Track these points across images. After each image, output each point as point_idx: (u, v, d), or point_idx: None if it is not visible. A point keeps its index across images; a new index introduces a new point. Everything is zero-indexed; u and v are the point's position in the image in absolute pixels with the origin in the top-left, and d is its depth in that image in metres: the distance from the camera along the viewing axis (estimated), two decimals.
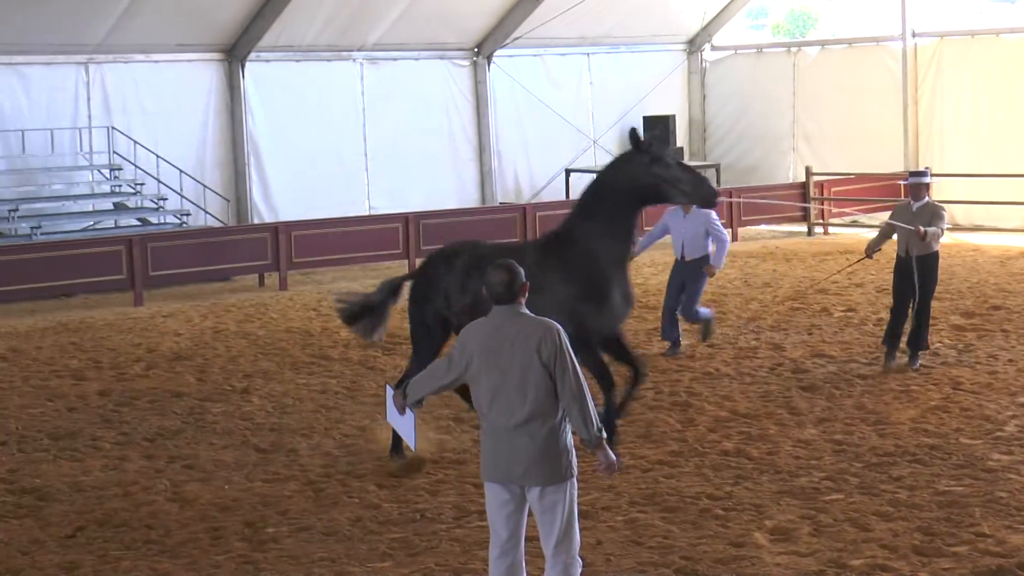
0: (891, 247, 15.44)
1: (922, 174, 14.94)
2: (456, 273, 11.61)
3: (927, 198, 14.75)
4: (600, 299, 11.52)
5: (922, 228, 14.25)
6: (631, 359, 12.03)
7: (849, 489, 10.64)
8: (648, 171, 11.56)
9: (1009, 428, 12.22)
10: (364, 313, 12.27)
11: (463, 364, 7.69)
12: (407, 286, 12.27)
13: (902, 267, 14.72)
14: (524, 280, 7.60)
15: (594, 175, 26.79)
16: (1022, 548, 9.15)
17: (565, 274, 11.44)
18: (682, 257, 16.10)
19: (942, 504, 10.15)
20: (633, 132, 11.66)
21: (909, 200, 14.87)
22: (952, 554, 9.12)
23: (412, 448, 9.14)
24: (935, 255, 14.64)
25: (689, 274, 16.05)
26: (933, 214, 14.49)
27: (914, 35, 29.64)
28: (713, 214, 15.92)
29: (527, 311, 7.60)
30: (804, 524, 9.83)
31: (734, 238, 27.35)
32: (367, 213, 27.55)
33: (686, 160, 32.03)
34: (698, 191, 11.81)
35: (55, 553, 9.71)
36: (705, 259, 16.01)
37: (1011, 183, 26.19)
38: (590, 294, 11.47)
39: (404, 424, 8.87)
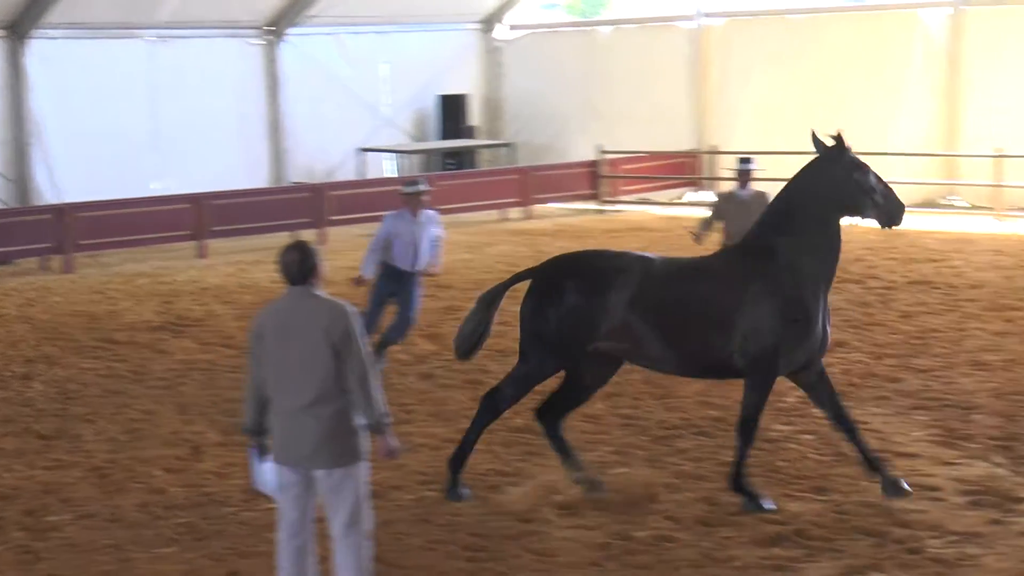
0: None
1: (749, 160, 14.83)
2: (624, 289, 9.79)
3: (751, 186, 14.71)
4: (807, 322, 9.73)
5: None
6: (839, 407, 10.10)
7: (635, 462, 10.81)
8: (851, 177, 10.01)
9: (790, 399, 12.50)
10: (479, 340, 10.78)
11: (256, 345, 7.59)
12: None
13: None
14: (316, 261, 7.52)
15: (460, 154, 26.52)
16: (800, 515, 9.40)
17: (769, 290, 9.71)
18: (412, 266, 14.34)
19: (725, 475, 10.35)
20: (839, 138, 10.07)
21: (732, 190, 14.70)
22: (734, 523, 9.33)
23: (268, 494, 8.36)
24: None
25: (408, 285, 14.37)
26: (765, 203, 14.29)
27: (704, 15, 30.15)
28: (432, 212, 14.69)
29: (320, 293, 7.53)
30: (591, 498, 9.94)
31: (527, 215, 27.60)
32: (156, 194, 27.01)
33: (483, 138, 32.22)
34: (889, 205, 10.13)
35: None
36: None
37: (800, 161, 26.79)
38: (797, 314, 9.71)
39: (263, 474, 7.88)
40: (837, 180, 9.95)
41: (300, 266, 7.49)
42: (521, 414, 12.29)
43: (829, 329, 9.92)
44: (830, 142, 10.04)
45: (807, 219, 9.89)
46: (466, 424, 12.02)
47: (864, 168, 10.08)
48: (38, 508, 10.12)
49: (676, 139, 29.76)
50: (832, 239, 9.95)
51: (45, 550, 9.23)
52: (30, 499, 10.34)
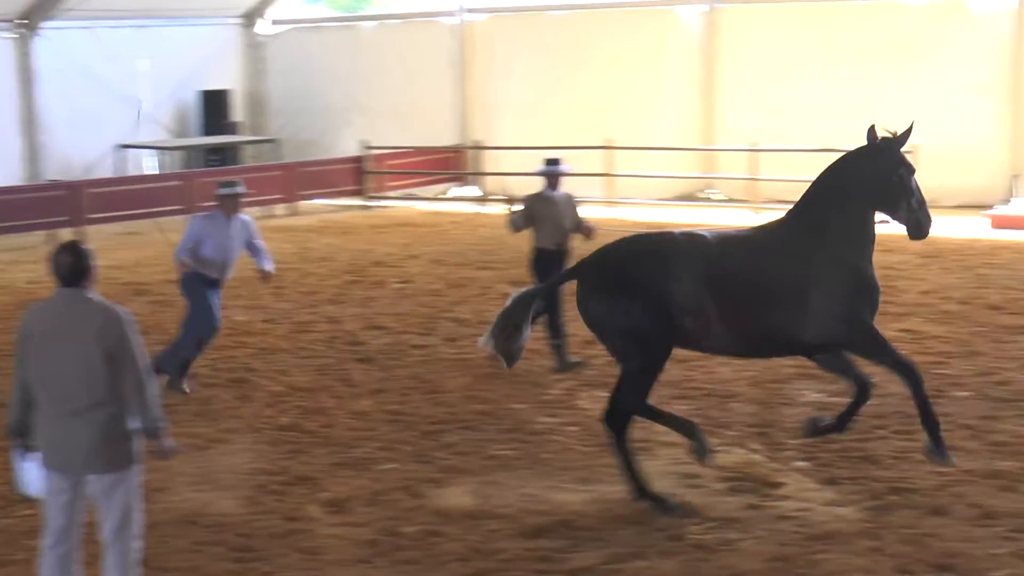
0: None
1: (558, 162, 14.25)
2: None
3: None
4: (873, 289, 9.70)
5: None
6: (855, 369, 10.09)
7: (403, 458, 10.85)
8: (894, 171, 9.72)
9: (554, 392, 12.72)
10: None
11: (22, 347, 7.39)
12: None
13: (548, 260, 13.62)
14: (91, 263, 7.35)
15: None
16: (565, 506, 9.56)
17: (833, 261, 9.55)
18: (221, 274, 13.35)
19: (492, 468, 10.49)
20: (872, 130, 9.75)
21: (542, 190, 14.05)
22: (501, 515, 9.42)
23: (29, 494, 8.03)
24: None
25: (216, 291, 13.40)
26: (574, 206, 14.04)
27: (467, 11, 30.30)
28: (246, 217, 13.74)
29: (93, 296, 7.36)
30: (358, 494, 9.96)
31: (293, 212, 27.39)
32: None
33: (246, 134, 31.84)
34: (921, 215, 9.82)
35: None
36: None
37: (566, 154, 27.12)
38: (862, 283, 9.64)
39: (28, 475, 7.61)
40: (879, 170, 9.69)
41: (73, 268, 7.31)
42: (287, 412, 12.27)
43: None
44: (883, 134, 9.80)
45: (840, 204, 9.68)
46: (232, 423, 11.97)
47: (910, 168, 9.79)
48: None
49: (441, 135, 29.87)
50: (864, 230, 9.74)
51: None
52: None
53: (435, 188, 29.68)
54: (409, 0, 38.69)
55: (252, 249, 13.57)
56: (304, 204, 27.67)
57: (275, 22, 33.11)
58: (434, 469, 10.51)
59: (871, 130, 9.83)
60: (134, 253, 21.93)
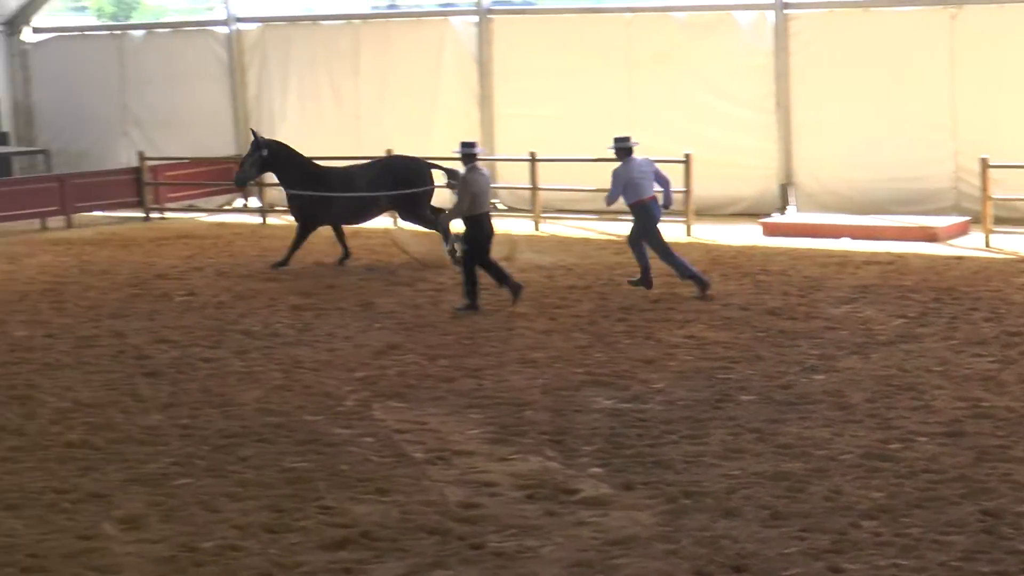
0: None
1: (474, 144, 17.21)
2: None
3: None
4: None
5: None
6: None
7: (197, 472, 10.70)
8: None
9: (348, 402, 12.68)
10: None
11: None
12: None
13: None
14: None
15: None
16: (365, 517, 9.54)
17: None
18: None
19: (288, 481, 10.41)
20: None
21: (473, 169, 16.83)
22: (300, 529, 9.37)
23: None
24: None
25: None
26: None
27: (238, 20, 29.98)
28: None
29: None
30: (154, 511, 9.79)
31: (68, 224, 26.76)
32: None
33: (15, 145, 31.00)
34: None
35: None
36: None
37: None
38: None
39: None
40: None
41: None
42: (75, 428, 12.02)
43: None
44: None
45: None
46: (17, 441, 11.66)
47: None
48: None
49: (218, 145, 29.50)
50: None
51: None
52: None
53: (217, 199, 29.28)
54: (178, 9, 38.27)
55: None
56: (80, 216, 27.07)
57: (37, 30, 32.26)
58: (230, 483, 10.40)
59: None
60: None
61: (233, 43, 29.85)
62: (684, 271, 17.28)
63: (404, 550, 8.94)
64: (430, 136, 26.93)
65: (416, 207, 20.96)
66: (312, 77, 29.05)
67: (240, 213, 28.49)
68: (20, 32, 32.09)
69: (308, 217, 20.75)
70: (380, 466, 10.75)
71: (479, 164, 17.15)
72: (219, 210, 28.91)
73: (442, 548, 8.96)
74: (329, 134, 28.02)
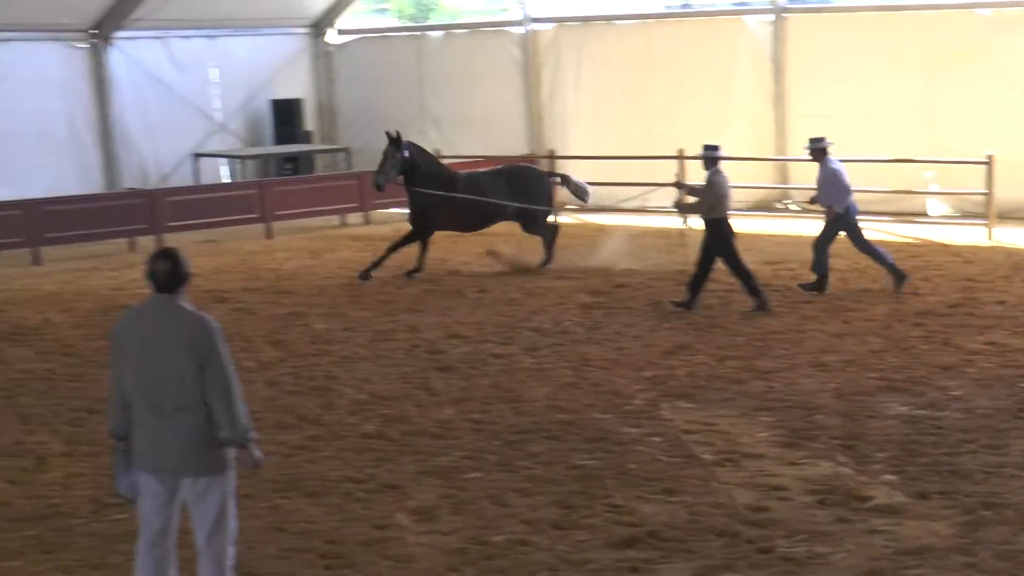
0: None
1: (717, 148, 17.03)
2: None
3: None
4: None
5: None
6: None
7: (488, 467, 10.86)
8: None
9: (637, 402, 12.69)
10: None
11: (117, 350, 7.49)
12: None
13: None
14: (187, 271, 7.44)
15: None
16: (653, 517, 9.54)
17: None
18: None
19: (576, 478, 10.47)
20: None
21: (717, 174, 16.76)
22: (588, 526, 9.42)
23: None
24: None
25: None
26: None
27: (533, 20, 30.31)
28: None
29: (185, 304, 7.44)
30: (445, 503, 9.99)
31: (367, 221, 27.46)
32: None
33: (318, 143, 31.99)
34: None
35: None
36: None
37: (630, 165, 27.13)
38: None
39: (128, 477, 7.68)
40: None
41: (170, 275, 7.39)
42: (371, 420, 12.33)
43: None
44: None
45: None
46: (317, 431, 12.03)
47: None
48: None
49: (512, 144, 29.87)
50: None
51: None
52: None
53: None
54: (474, 9, 38.85)
55: None
56: (378, 213, 27.77)
57: (341, 32, 33.27)
58: (520, 478, 10.52)
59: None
60: (212, 261, 22.11)
61: (528, 43, 30.21)
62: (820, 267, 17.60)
63: (692, 551, 8.90)
64: (723, 136, 26.72)
65: (539, 218, 20.96)
66: (604, 76, 29.15)
67: None
68: (325, 34, 33.13)
69: (433, 222, 20.54)
70: (668, 466, 10.73)
71: (721, 167, 16.98)
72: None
73: (730, 551, 8.89)
74: (620, 133, 28.12)
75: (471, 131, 30.51)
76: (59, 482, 10.77)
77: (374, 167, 29.27)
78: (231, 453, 7.49)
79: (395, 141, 20.46)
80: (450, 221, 20.75)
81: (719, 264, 16.71)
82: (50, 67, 28.59)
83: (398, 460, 11.12)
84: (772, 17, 27.13)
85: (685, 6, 32.56)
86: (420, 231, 20.47)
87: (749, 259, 17.47)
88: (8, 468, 11.16)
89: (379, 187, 20.69)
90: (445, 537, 9.32)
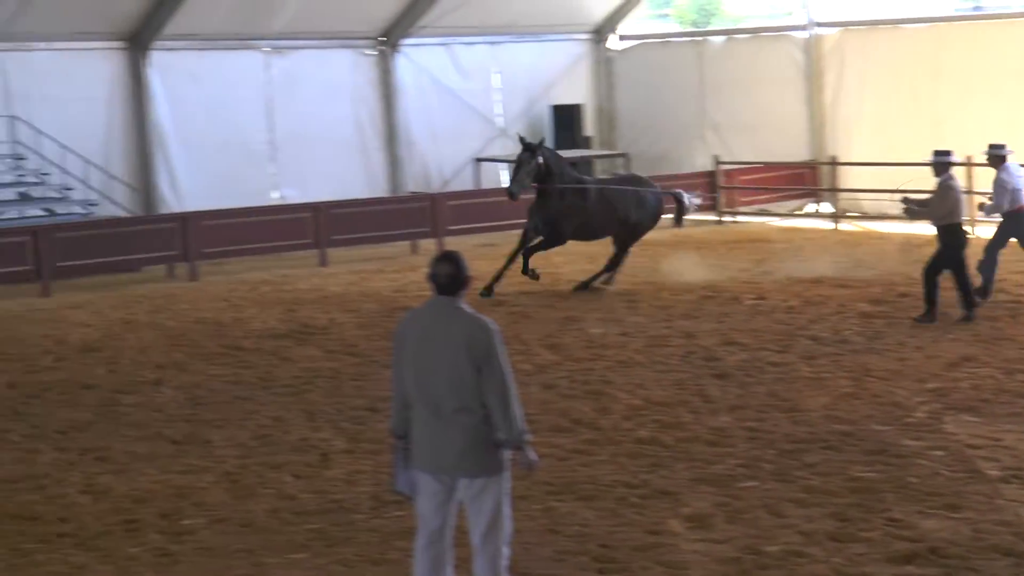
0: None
1: (949, 153, 16.63)
2: None
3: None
4: None
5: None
6: None
7: (763, 476, 10.75)
8: None
9: (918, 414, 12.39)
10: None
11: (398, 350, 7.67)
12: None
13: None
14: (468, 274, 7.58)
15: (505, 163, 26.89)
16: (934, 532, 9.29)
17: None
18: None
19: (855, 490, 10.27)
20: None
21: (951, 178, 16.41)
22: (865, 539, 9.23)
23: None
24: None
25: None
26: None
27: (817, 25, 29.88)
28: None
29: (464, 306, 7.58)
30: (719, 511, 9.91)
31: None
32: (275, 203, 27.35)
33: (597, 149, 32.16)
34: None
35: None
36: None
37: (915, 172, 26.48)
38: None
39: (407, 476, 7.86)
40: None
41: (452, 278, 7.53)
42: (645, 425, 12.32)
43: None
44: None
45: None
46: (590, 435, 12.09)
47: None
48: (173, 511, 10.28)
49: (792, 150, 29.51)
50: None
51: (181, 553, 9.39)
52: (164, 502, 10.51)
53: (789, 204, 29.33)
54: (756, 14, 38.50)
55: None
56: None
57: (623, 37, 33.36)
58: (796, 488, 10.37)
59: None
60: (490, 264, 22.36)
61: (811, 48, 29.79)
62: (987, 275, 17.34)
63: (975, 570, 8.63)
64: (1018, 140, 25.88)
65: (643, 232, 20.64)
66: (890, 81, 28.51)
67: (812, 218, 28.41)
68: (606, 40, 33.28)
69: (566, 231, 19.91)
70: (951, 481, 10.43)
71: (953, 172, 16.53)
72: (791, 215, 28.93)
73: (1017, 570, 8.60)
74: (904, 138, 27.45)
75: (751, 137, 30.23)
76: (342, 478, 11.06)
77: (652, 173, 29.47)
78: (507, 455, 7.59)
79: (530, 147, 19.56)
80: (579, 230, 20.07)
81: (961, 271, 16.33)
82: (340, 73, 29.51)
83: (672, 466, 11.09)
84: None
85: (976, 8, 31.65)
86: (554, 239, 19.85)
87: None
88: (294, 463, 11.52)
89: (513, 197, 19.55)
90: (719, 546, 9.25)
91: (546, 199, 19.61)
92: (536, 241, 19.83)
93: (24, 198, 25.41)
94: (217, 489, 10.85)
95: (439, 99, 30.69)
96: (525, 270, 19.53)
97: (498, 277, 19.54)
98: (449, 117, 30.69)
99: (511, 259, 19.73)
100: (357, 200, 25.99)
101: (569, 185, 19.81)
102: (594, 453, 11.57)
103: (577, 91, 32.64)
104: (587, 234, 20.34)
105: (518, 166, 19.53)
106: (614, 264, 20.37)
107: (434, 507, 7.62)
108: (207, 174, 27.32)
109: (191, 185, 27.34)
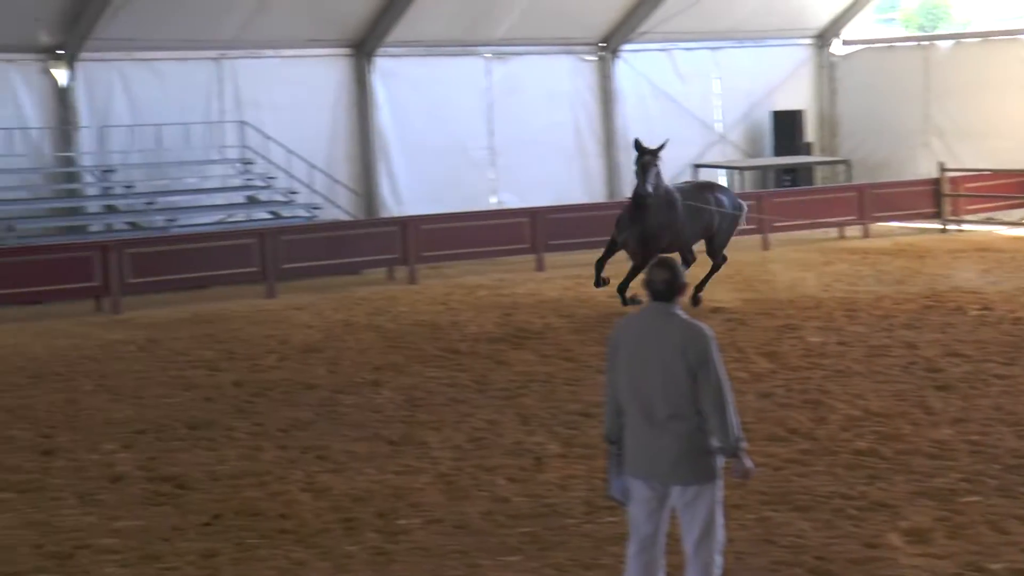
0: None
1: None
2: None
3: None
4: None
5: None
6: None
7: (987, 491, 10.46)
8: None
9: None
10: None
11: (612, 356, 7.68)
12: None
13: None
14: (684, 281, 7.57)
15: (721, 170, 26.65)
16: None
17: None
18: None
19: None
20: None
21: None
22: None
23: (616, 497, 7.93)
24: None
25: None
26: None
27: None
28: None
29: (680, 312, 7.55)
30: (940, 526, 9.68)
31: (865, 234, 27.02)
32: (493, 207, 27.64)
33: (818, 155, 31.74)
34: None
35: (193, 540, 9.87)
36: None
37: None
38: None
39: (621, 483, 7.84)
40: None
41: (669, 284, 7.51)
42: (863, 436, 12.10)
43: None
44: None
45: None
46: (806, 445, 11.91)
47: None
48: (389, 511, 10.44)
49: (1022, 157, 28.68)
50: None
51: (397, 552, 9.52)
52: (381, 502, 10.67)
53: (1017, 212, 28.52)
54: (987, 16, 37.55)
55: None
56: (877, 226, 27.27)
57: (846, 42, 32.88)
58: (1021, 505, 10.07)
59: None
60: (706, 271, 22.28)
61: None
62: None
63: None
64: None
65: (727, 241, 19.70)
66: None
67: None
68: (830, 45, 32.84)
69: (660, 249, 17.98)
70: None
71: None
72: (1019, 223, 28.11)
73: None
74: None
75: (978, 144, 29.54)
76: (555, 482, 11.09)
77: (874, 179, 28.98)
78: (720, 462, 7.53)
79: (654, 152, 18.41)
80: (669, 247, 18.47)
81: None
82: (560, 79, 29.72)
83: (891, 479, 10.86)
84: None
85: None
86: (648, 259, 17.21)
87: None
88: (508, 466, 11.60)
89: (648, 199, 18.26)
90: (940, 561, 9.03)
91: (644, 212, 18.36)
92: (633, 262, 18.52)
93: (252, 201, 26.13)
94: (432, 490, 10.98)
95: (658, 104, 30.68)
96: (600, 283, 18.39)
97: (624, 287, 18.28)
98: (667, 122, 30.51)
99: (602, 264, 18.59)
100: (574, 205, 26.08)
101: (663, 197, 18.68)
102: (810, 463, 11.39)
103: (798, 96, 32.29)
104: (677, 246, 18.92)
105: (646, 169, 18.29)
106: (710, 275, 19.48)
107: (646, 514, 7.60)
108: (427, 178, 27.76)
109: (411, 189, 27.82)
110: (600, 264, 18.58)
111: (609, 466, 7.79)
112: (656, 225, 18.47)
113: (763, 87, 31.93)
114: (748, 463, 7.58)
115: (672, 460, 7.43)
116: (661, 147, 18.44)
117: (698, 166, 30.42)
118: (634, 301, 17.64)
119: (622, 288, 18.17)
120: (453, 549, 9.54)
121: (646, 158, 18.33)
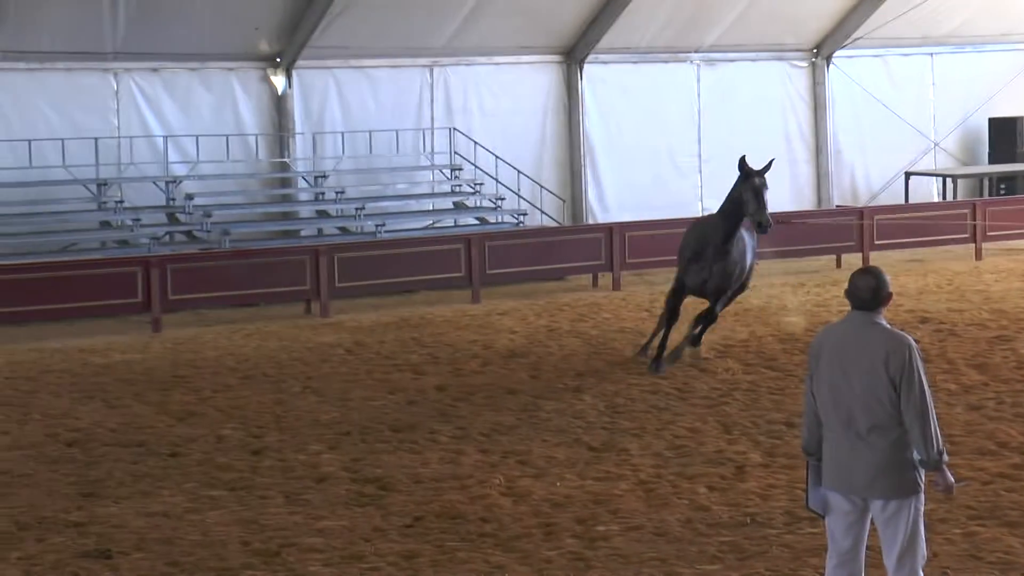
0: None
1: None
2: None
3: None
4: None
5: None
6: None
7: None
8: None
9: None
10: None
11: (812, 366, 7.60)
12: None
13: None
14: (889, 290, 7.45)
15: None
16: None
17: None
18: None
19: None
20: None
21: None
22: None
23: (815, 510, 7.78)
24: None
25: None
26: None
27: None
28: None
29: (883, 321, 7.43)
30: None
31: None
32: (701, 214, 27.46)
33: None
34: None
35: (395, 542, 10.02)
36: None
37: None
38: None
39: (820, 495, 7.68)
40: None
41: (874, 293, 7.40)
42: None
43: None
44: None
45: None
46: (1017, 459, 11.60)
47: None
48: (588, 517, 10.46)
49: None
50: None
51: (595, 558, 9.54)
52: (581, 508, 10.71)
53: None
54: None
55: None
56: None
57: None
58: None
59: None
60: (916, 280, 21.92)
61: None
62: None
63: None
64: None
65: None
66: None
67: None
68: None
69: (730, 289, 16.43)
70: None
71: None
72: None
73: None
74: None
75: None
76: (756, 492, 11.01)
77: None
78: (922, 476, 7.38)
79: (761, 173, 15.84)
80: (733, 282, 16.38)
81: None
82: (770, 86, 29.50)
83: None
84: None
85: None
86: (720, 302, 16.35)
87: None
88: (708, 475, 11.54)
89: (768, 228, 15.80)
90: None
91: (730, 247, 16.00)
92: (706, 308, 16.42)
93: (459, 207, 26.43)
94: (632, 497, 10.98)
95: (869, 111, 30.22)
96: (697, 341, 16.33)
97: (650, 346, 16.48)
98: (879, 130, 30.15)
99: (669, 330, 16.15)
100: (781, 213, 25.76)
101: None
102: (1020, 478, 11.12)
103: (1018, 103, 31.44)
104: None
105: (760, 194, 15.67)
106: (703, 326, 16.65)
107: (845, 527, 7.49)
108: (633, 185, 27.77)
109: (617, 196, 27.86)
110: (667, 328, 16.07)
111: (808, 477, 7.70)
112: (731, 266, 16.07)
113: (980, 93, 31.21)
114: (950, 478, 7.41)
115: (872, 474, 7.31)
116: (768, 166, 15.94)
117: (910, 174, 29.83)
118: (669, 360, 15.77)
119: (678, 352, 16.06)
120: (651, 556, 9.53)
121: (758, 180, 15.69)
